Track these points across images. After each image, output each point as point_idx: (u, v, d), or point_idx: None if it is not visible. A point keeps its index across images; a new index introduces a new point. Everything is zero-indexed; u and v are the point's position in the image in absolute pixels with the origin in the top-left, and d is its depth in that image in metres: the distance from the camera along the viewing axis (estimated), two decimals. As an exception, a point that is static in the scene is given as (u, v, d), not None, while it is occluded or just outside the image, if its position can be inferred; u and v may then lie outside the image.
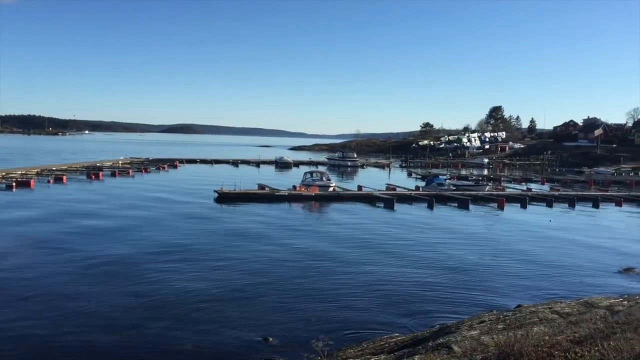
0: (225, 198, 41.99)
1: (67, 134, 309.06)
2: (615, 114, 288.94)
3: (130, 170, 66.57)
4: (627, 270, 22.44)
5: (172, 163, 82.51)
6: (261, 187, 47.63)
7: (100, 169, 62.70)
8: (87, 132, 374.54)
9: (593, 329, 7.33)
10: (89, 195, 43.14)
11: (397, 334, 12.84)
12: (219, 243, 25.85)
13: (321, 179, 50.75)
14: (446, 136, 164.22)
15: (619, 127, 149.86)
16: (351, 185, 54.77)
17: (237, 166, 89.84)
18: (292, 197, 43.68)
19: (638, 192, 54.39)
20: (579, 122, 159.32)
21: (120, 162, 76.73)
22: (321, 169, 77.14)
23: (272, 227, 31.15)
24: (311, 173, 54.16)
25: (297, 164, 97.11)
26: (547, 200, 46.64)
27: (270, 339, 13.49)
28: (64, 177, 53.60)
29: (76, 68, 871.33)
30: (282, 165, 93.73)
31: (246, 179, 54.33)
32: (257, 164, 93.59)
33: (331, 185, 49.00)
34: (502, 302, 16.88)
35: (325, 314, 15.64)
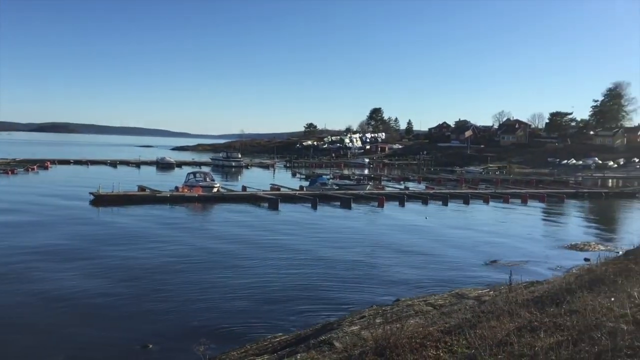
0: (102, 201, 39.96)
1: None
2: (484, 117, 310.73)
3: (-6, 172, 61.41)
4: (493, 263, 24.19)
5: (42, 164, 77.08)
6: (141, 188, 45.87)
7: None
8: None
9: (462, 319, 7.82)
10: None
11: (280, 334, 12.91)
12: (91, 248, 24.55)
13: (205, 180, 49.87)
14: (329, 137, 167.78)
15: (487, 129, 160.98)
16: (235, 186, 54.33)
17: (115, 167, 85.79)
18: (174, 199, 42.50)
19: (503, 190, 58.75)
20: (452, 124, 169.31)
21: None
22: (205, 169, 75.77)
23: (152, 230, 30.16)
24: (194, 174, 53.03)
25: (180, 164, 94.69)
26: (423, 198, 49.09)
27: (150, 346, 13.05)
28: None
29: None
30: (164, 166, 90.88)
31: (125, 181, 51.98)
32: (138, 164, 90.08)
33: (215, 186, 48.32)
34: (382, 297, 17.52)
35: (208, 317, 15.39)
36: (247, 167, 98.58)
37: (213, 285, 18.80)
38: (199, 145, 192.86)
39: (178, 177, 61.25)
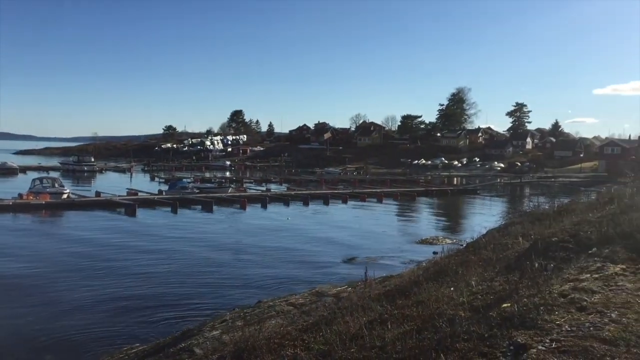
0: None
1: None
2: (342, 119, 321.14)
3: None
4: (351, 260, 25.14)
5: None
6: (-22, 197, 41.65)
7: None
8: None
9: (319, 317, 8.04)
10: None
11: (137, 344, 12.40)
12: None
13: (53, 186, 46.40)
14: (189, 139, 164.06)
15: (345, 131, 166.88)
16: (88, 192, 51.20)
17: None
18: (18, 207, 39.10)
19: (360, 190, 61.29)
20: (312, 126, 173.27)
21: None
22: (53, 174, 70.43)
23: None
24: (41, 179, 49.08)
25: (24, 169, 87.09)
26: (285, 200, 49.76)
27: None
28: None
29: None
30: (5, 171, 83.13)
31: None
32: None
33: (65, 192, 45.14)
34: (245, 299, 17.48)
35: (59, 333, 14.36)
36: (101, 171, 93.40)
37: (60, 299, 17.56)
38: (46, 148, 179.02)
39: (22, 183, 56.39)
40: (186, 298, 18.14)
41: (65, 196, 44.22)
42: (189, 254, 25.71)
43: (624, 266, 6.61)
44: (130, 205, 40.81)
